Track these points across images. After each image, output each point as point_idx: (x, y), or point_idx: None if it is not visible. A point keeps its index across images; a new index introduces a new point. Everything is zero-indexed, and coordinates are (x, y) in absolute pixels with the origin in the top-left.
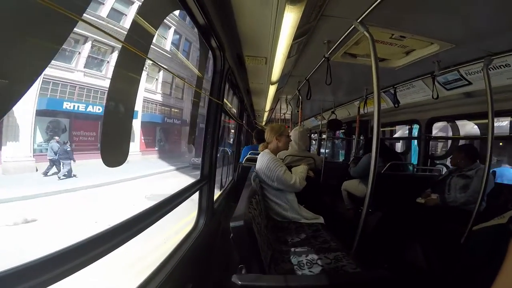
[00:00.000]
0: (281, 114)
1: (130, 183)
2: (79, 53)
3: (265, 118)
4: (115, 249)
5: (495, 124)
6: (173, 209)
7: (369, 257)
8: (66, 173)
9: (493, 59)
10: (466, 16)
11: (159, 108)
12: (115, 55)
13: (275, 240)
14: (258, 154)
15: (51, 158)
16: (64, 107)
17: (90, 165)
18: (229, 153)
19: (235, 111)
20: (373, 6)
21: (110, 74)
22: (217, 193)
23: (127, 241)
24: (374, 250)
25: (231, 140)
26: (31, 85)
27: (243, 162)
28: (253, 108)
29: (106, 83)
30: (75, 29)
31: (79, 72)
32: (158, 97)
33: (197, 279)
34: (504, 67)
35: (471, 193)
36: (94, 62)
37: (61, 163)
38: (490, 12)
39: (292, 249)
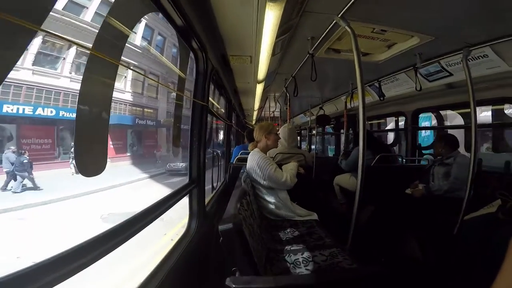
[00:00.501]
0: (270, 112)
1: (87, 198)
2: (27, 49)
3: (254, 117)
4: (103, 256)
5: (484, 113)
6: (161, 215)
7: (364, 252)
8: (18, 189)
9: (471, 50)
10: (444, 8)
11: (130, 108)
12: (72, 51)
13: (270, 240)
14: (249, 153)
15: (7, 170)
16: (4, 110)
17: (44, 177)
18: (219, 154)
19: (223, 112)
20: (353, 1)
21: (66, 72)
22: (209, 196)
23: (117, 247)
24: (368, 244)
25: (221, 141)
26: None
27: (234, 162)
28: (242, 108)
29: (62, 82)
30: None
31: (26, 70)
32: (128, 97)
33: (191, 284)
34: (483, 58)
35: (452, 179)
36: (46, 59)
37: (17, 177)
38: (467, 3)
39: (287, 247)
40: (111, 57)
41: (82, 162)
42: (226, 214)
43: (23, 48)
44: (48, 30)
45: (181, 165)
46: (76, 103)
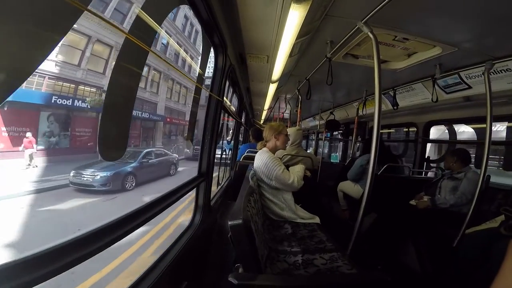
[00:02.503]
0: (280, 113)
1: None
2: None
3: (263, 117)
4: (111, 245)
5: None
6: (170, 206)
7: (364, 258)
8: None
9: (494, 64)
10: (470, 20)
11: (51, 83)
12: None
13: (271, 239)
14: (255, 152)
15: None
16: None
17: None
18: (226, 150)
19: (234, 109)
20: (378, 8)
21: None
22: (214, 191)
23: (124, 236)
24: (368, 251)
25: (228, 138)
26: (28, 76)
27: (241, 160)
28: (252, 107)
29: None
30: None
31: None
32: (50, 67)
33: (192, 277)
34: (505, 72)
35: (459, 194)
36: None
37: None
38: (493, 16)
39: (288, 248)
40: (143, 44)
41: (104, 147)
42: (235, 209)
43: (68, 27)
44: (93, 11)
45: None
46: (106, 90)
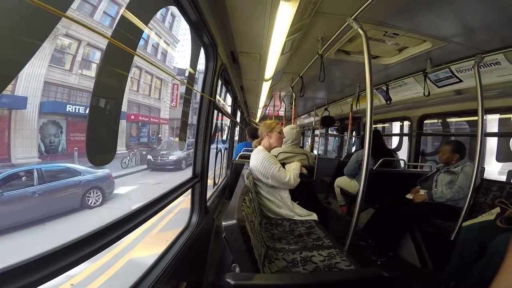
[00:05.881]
0: (275, 111)
1: None
2: None
3: (258, 115)
4: (106, 247)
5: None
6: (164, 208)
7: (362, 254)
8: None
9: (484, 57)
10: (459, 14)
11: None
12: None
13: (269, 238)
14: (252, 150)
15: None
16: None
17: None
18: (222, 150)
19: (229, 108)
20: (368, 3)
21: None
22: (210, 191)
23: (121, 238)
24: (366, 246)
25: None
26: (9, 83)
27: (237, 158)
28: (247, 105)
29: None
30: None
31: None
32: None
33: (191, 278)
34: (495, 65)
35: (457, 189)
36: None
37: None
38: (482, 9)
39: (286, 246)
40: (128, 47)
41: (92, 152)
42: (229, 210)
43: (47, 33)
44: (72, 17)
45: None
46: (91, 95)
